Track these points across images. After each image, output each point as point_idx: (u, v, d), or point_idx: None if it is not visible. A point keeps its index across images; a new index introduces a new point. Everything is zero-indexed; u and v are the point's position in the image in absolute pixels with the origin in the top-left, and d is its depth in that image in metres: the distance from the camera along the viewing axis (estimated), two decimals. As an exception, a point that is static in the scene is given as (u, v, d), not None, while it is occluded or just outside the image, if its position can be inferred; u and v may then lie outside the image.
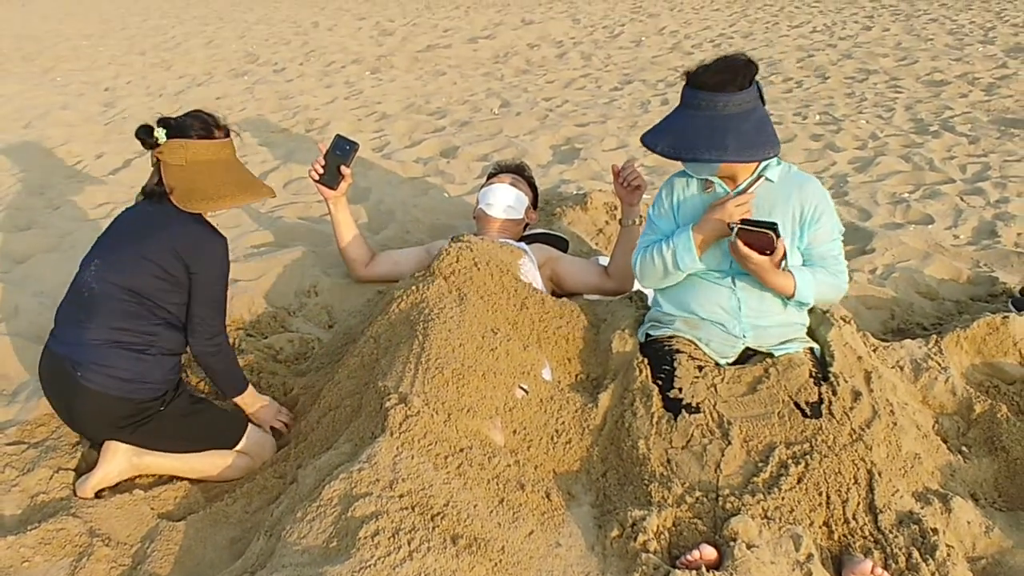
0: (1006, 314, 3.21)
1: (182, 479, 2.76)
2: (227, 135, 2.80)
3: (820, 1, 13.72)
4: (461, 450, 2.43)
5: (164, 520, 2.53)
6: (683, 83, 2.69)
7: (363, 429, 2.54)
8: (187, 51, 10.65)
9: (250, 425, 2.84)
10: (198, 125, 2.71)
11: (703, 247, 2.76)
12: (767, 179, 2.76)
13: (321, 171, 3.61)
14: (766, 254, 2.59)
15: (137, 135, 2.70)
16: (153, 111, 7.39)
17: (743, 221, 2.60)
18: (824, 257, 2.77)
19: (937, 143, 5.79)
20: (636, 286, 3.40)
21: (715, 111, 2.59)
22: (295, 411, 3.05)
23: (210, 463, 2.77)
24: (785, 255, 2.64)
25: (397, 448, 2.33)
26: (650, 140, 2.70)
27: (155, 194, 2.74)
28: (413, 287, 3.08)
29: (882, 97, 7.20)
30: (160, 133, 2.67)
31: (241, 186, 2.77)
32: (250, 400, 2.91)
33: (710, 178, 2.80)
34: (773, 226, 2.57)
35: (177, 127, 2.69)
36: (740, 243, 2.59)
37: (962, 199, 4.77)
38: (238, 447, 2.80)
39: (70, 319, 2.72)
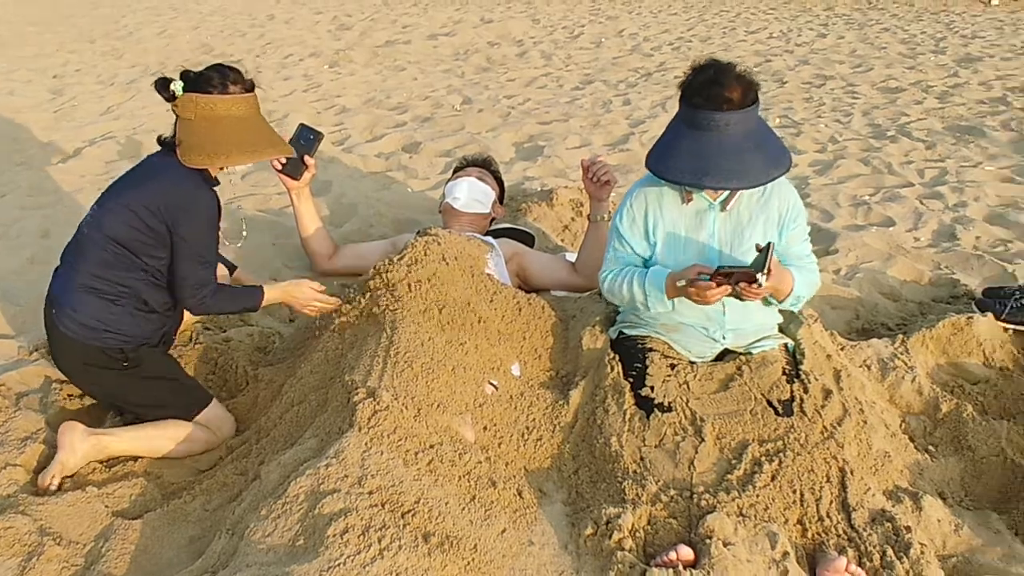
0: (970, 315, 3.23)
1: (137, 475, 2.65)
2: (248, 90, 2.72)
3: (775, 8, 13.87)
4: (431, 446, 2.36)
5: (119, 518, 2.42)
6: (684, 97, 2.48)
7: (330, 424, 2.46)
8: (139, 40, 10.39)
9: (213, 400, 2.83)
10: (216, 79, 2.66)
11: (677, 296, 2.63)
12: None
13: (284, 161, 3.52)
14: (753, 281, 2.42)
15: (155, 86, 2.68)
16: (104, 100, 7.18)
17: (717, 270, 2.44)
18: (800, 256, 2.74)
19: (895, 148, 5.85)
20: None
21: (742, 127, 2.43)
22: (256, 405, 2.95)
23: (171, 436, 2.73)
24: (770, 271, 2.45)
25: (366, 443, 2.26)
26: (689, 175, 2.45)
27: (167, 145, 2.75)
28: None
29: (840, 102, 7.27)
30: (177, 87, 2.64)
31: (243, 146, 2.68)
32: (275, 296, 2.95)
33: (688, 189, 2.64)
34: (760, 256, 2.42)
35: (195, 80, 2.66)
36: (734, 288, 2.46)
37: (921, 202, 4.82)
38: (197, 418, 2.78)
39: (67, 260, 2.79)
